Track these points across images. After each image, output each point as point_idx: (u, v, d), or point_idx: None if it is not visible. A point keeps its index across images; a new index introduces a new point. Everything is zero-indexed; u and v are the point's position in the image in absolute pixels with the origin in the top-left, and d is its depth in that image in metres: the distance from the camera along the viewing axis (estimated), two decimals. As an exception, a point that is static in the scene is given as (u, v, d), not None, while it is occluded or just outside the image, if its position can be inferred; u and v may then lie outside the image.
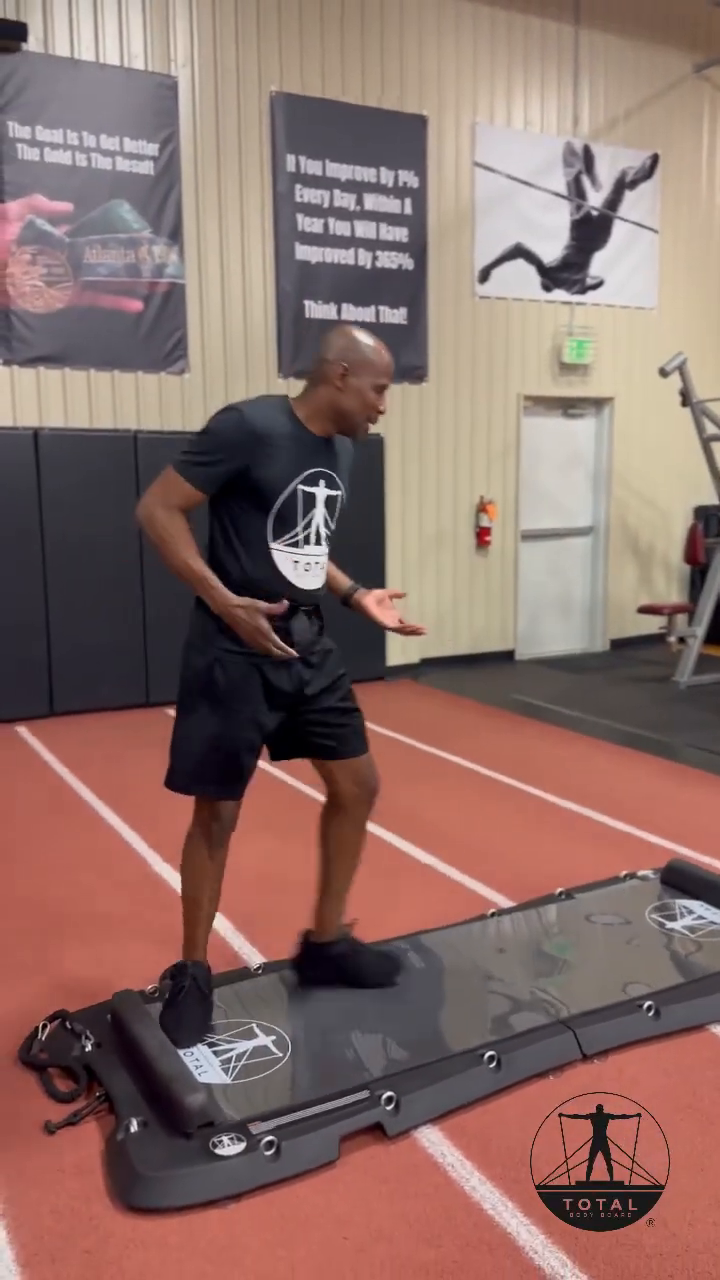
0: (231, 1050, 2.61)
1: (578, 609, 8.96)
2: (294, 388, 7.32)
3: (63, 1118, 2.40)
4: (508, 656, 8.37)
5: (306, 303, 7.25)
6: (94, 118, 6.44)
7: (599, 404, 8.64)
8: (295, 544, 2.53)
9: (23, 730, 6.20)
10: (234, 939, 3.35)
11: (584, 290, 8.33)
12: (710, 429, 7.33)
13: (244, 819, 2.75)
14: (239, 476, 2.44)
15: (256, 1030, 2.69)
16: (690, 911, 3.38)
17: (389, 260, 7.50)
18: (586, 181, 8.24)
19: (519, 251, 8.01)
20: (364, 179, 7.35)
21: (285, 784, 4.82)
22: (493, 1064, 2.51)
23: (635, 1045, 2.70)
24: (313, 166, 7.16)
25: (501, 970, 3.01)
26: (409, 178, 7.50)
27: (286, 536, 2.52)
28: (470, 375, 7.96)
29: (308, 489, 2.51)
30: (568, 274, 8.23)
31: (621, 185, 8.40)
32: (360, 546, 7.40)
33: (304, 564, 2.55)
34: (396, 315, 7.57)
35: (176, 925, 2.80)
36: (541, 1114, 2.41)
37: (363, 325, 7.32)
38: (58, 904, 3.69)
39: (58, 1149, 2.32)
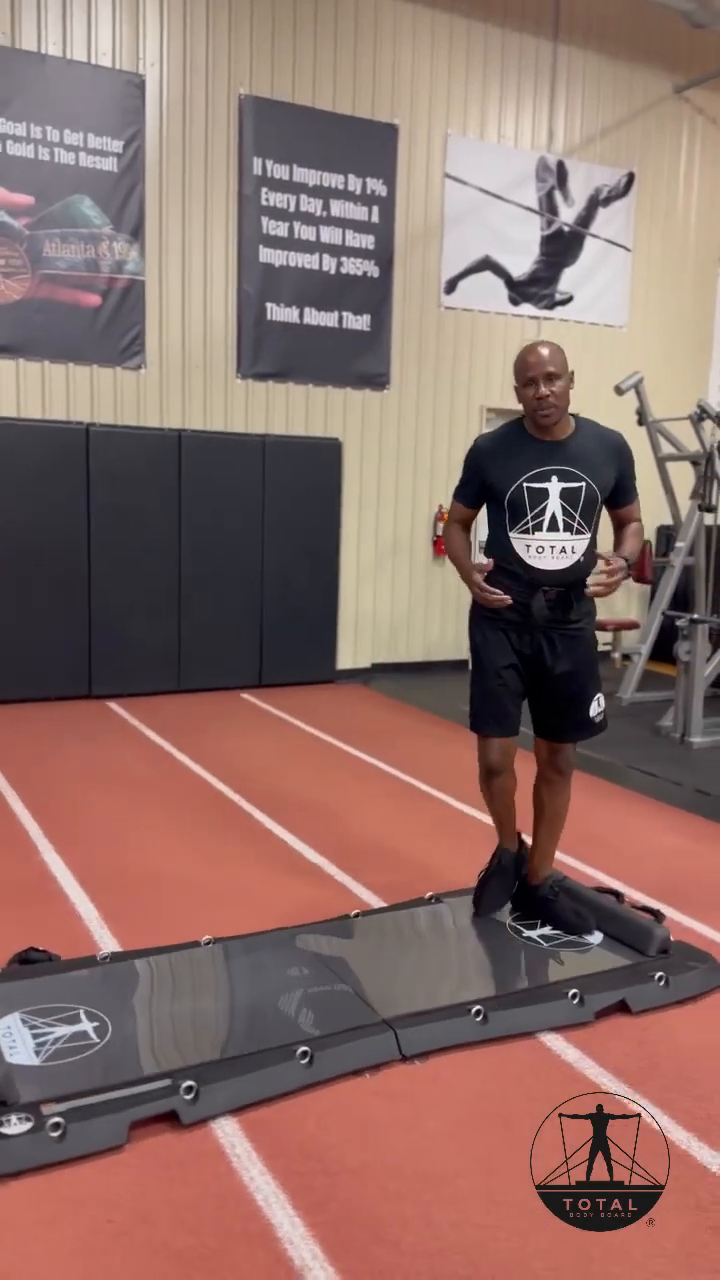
0: (50, 1033, 2.63)
1: (537, 622, 8.95)
2: (252, 389, 7.43)
3: None
4: (461, 666, 8.37)
5: (268, 305, 7.29)
6: (59, 113, 6.51)
7: (565, 419, 8.64)
8: (527, 530, 3.06)
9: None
10: (97, 929, 3.38)
11: (552, 305, 8.36)
12: (665, 448, 7.34)
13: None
14: (483, 486, 3.16)
15: (82, 1016, 2.71)
16: (551, 921, 3.40)
17: (354, 267, 7.55)
18: (559, 197, 8.28)
19: (487, 264, 8.05)
20: (331, 185, 7.39)
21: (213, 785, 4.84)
22: (305, 1059, 2.53)
23: (461, 1049, 2.72)
24: (280, 170, 7.21)
25: (342, 969, 3.03)
26: (377, 186, 7.54)
27: (519, 525, 3.06)
28: (433, 385, 8.00)
29: (536, 485, 3.05)
30: (536, 288, 8.27)
31: (595, 202, 8.43)
32: (314, 552, 7.46)
33: (536, 547, 3.06)
34: (359, 322, 7.62)
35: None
36: (346, 1111, 2.43)
37: (321, 330, 7.41)
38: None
39: None
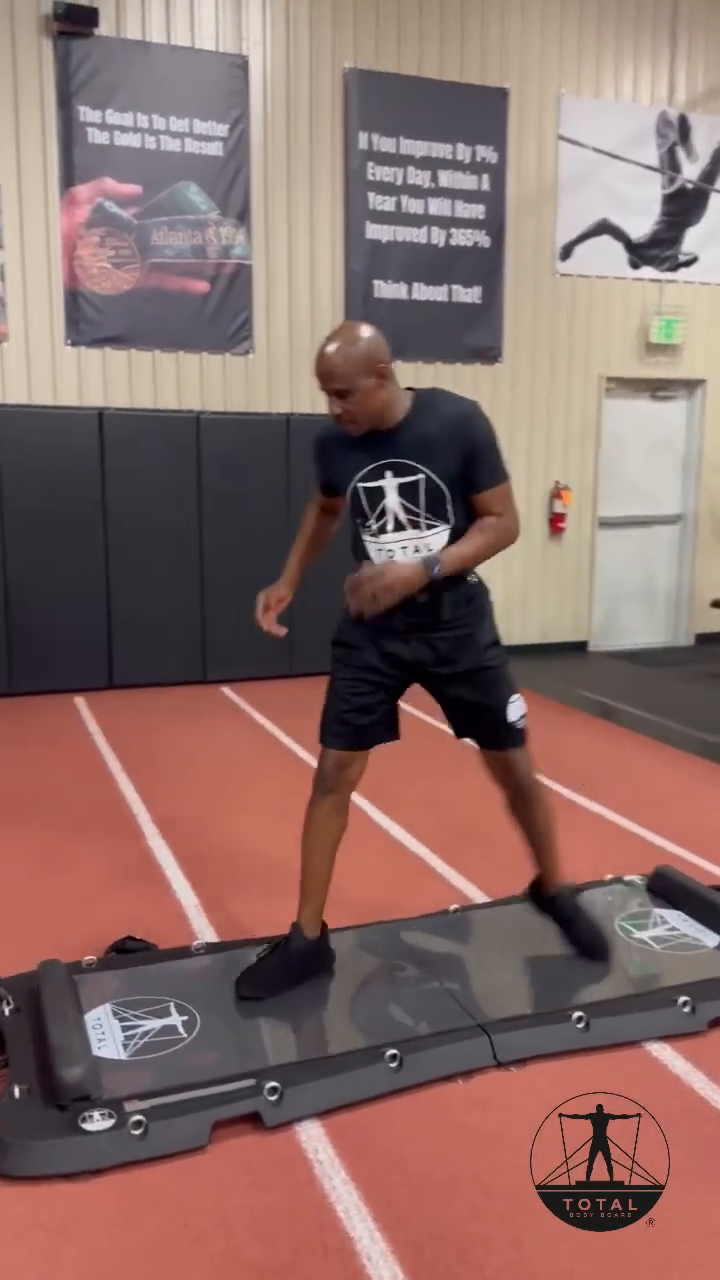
0: (139, 1026, 2.61)
1: (661, 600, 8.62)
2: (360, 369, 7.31)
3: (-37, 1079, 2.45)
4: (580, 648, 8.12)
5: (376, 282, 7.17)
6: (164, 100, 6.52)
7: (690, 386, 8.26)
8: (373, 534, 2.71)
9: (79, 701, 6.37)
10: (195, 916, 3.36)
11: (675, 267, 7.95)
12: None
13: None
14: (328, 480, 2.83)
15: (172, 1009, 2.69)
16: (664, 921, 3.21)
17: (464, 238, 7.34)
18: (682, 153, 7.86)
19: (605, 227, 7.71)
20: (440, 155, 7.20)
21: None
22: (394, 1062, 2.44)
23: (561, 1057, 2.58)
24: (386, 144, 7.06)
25: (437, 968, 2.92)
26: (487, 153, 7.30)
27: (365, 528, 2.72)
28: (549, 356, 7.73)
29: (369, 484, 2.66)
30: (657, 250, 7.88)
31: (721, 156, 7.97)
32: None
33: (386, 550, 2.69)
34: (470, 294, 7.41)
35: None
36: (435, 1118, 2.33)
37: (430, 305, 7.24)
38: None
39: (-51, 1109, 2.37)
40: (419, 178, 7.18)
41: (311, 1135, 2.29)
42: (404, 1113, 2.37)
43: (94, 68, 6.35)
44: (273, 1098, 2.32)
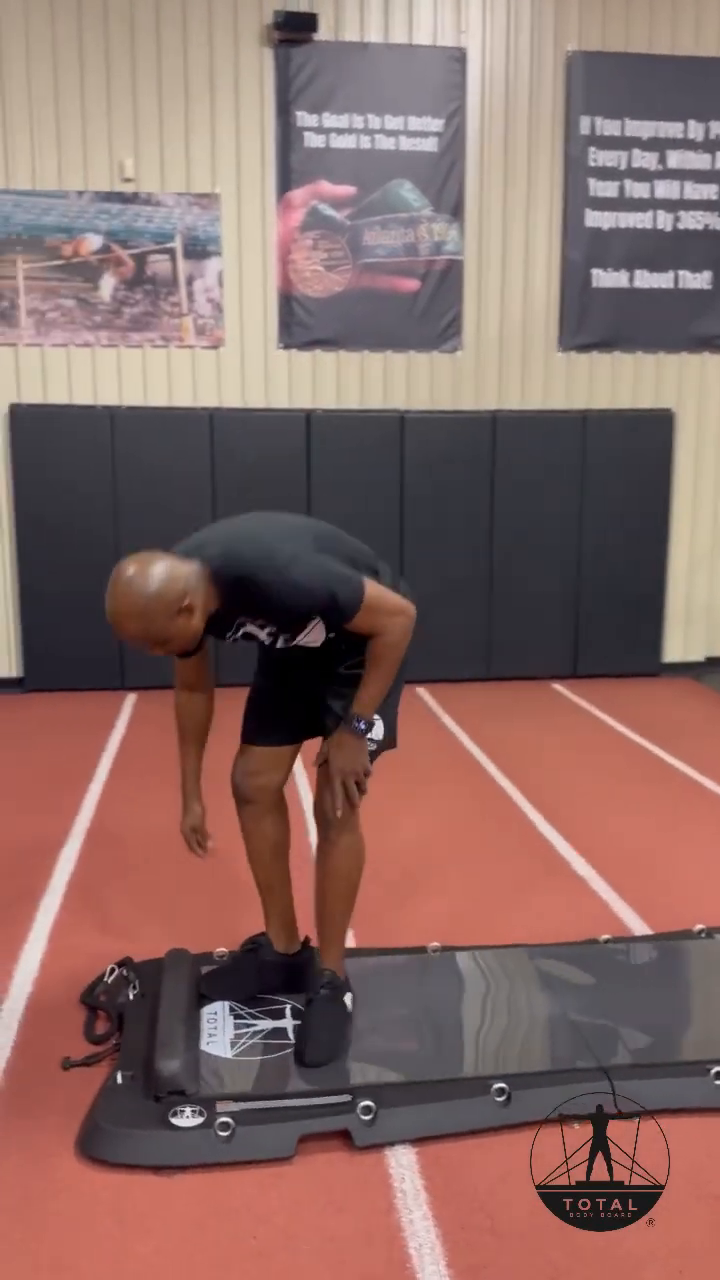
0: (252, 1026, 2.60)
1: None
2: (573, 361, 7.05)
3: (80, 1058, 2.52)
4: None
5: (594, 271, 6.86)
6: (380, 99, 6.53)
7: None
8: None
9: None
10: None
11: None
12: None
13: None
14: None
15: (288, 1012, 2.65)
16: None
17: (693, 221, 6.89)
18: None
19: None
20: (669, 135, 6.79)
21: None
22: (502, 1097, 2.29)
23: (692, 1114, 2.33)
24: (609, 127, 6.75)
25: (572, 1001, 2.72)
26: (722, 129, 6.82)
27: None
28: (786, 344, 7.12)
29: (234, 638, 2.50)
30: None
31: None
32: (639, 534, 6.96)
33: (279, 651, 2.55)
34: (698, 280, 6.95)
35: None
36: (537, 1163, 2.17)
37: (654, 293, 6.85)
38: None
39: (64, 1085, 2.44)
40: (645, 160, 6.81)
41: (402, 1162, 2.19)
42: (505, 1153, 2.21)
43: (312, 72, 6.46)
44: (366, 1117, 2.23)
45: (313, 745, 2.65)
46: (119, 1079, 2.35)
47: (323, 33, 6.40)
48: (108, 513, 6.48)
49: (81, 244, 6.43)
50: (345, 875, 2.56)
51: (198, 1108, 2.23)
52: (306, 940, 2.80)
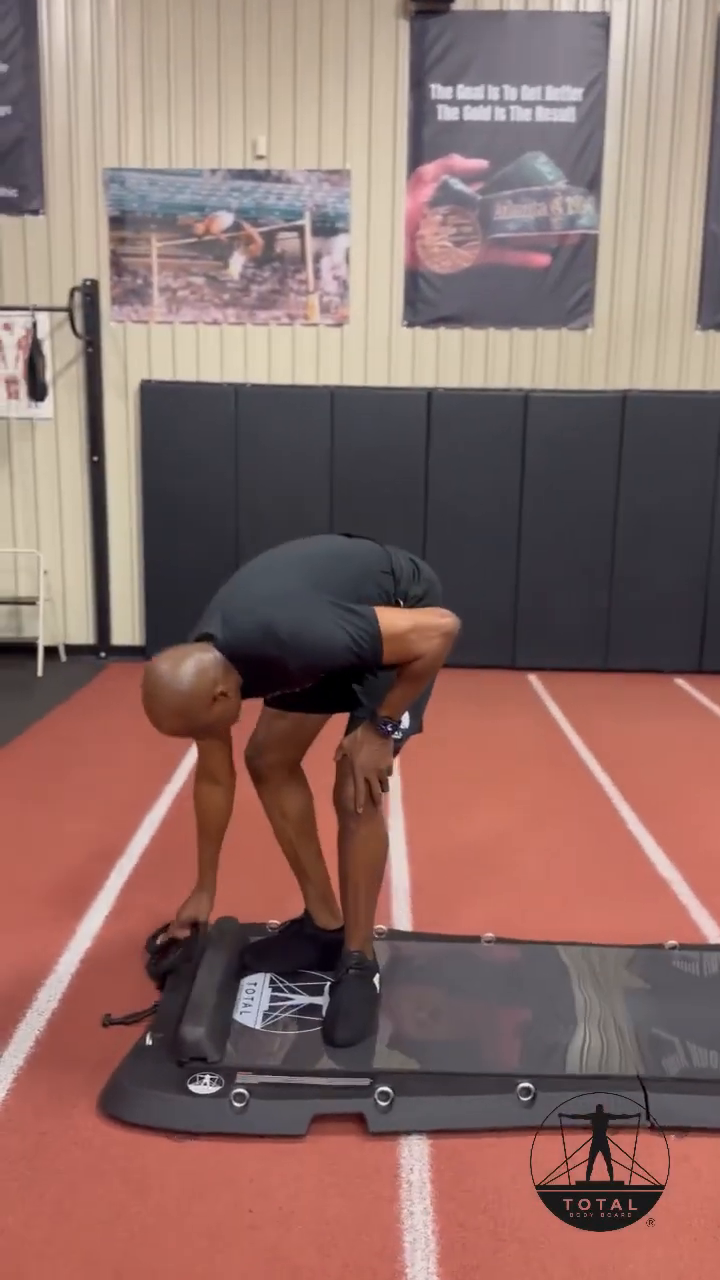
0: (287, 1000, 2.59)
1: None
2: (712, 341, 6.69)
3: (121, 1015, 2.57)
4: None
5: (739, 246, 6.51)
6: (516, 69, 6.35)
7: None
8: None
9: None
10: (400, 903, 3.28)
11: None
12: None
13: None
14: None
15: (325, 990, 2.63)
16: None
17: None
18: None
19: None
20: None
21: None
22: (527, 1097, 2.21)
23: (731, 1137, 2.19)
24: (763, 91, 6.36)
25: (621, 1006, 2.59)
26: None
27: None
28: None
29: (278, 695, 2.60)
30: None
31: None
32: (684, 523, 6.58)
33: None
34: None
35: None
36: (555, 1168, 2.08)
37: None
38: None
39: (101, 1040, 2.50)
40: None
41: (413, 1152, 2.14)
42: (522, 1154, 2.13)
43: (448, 43, 6.33)
44: (383, 1103, 2.19)
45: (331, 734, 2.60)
46: (149, 1040, 2.38)
47: (460, 3, 6.26)
48: (229, 488, 6.58)
49: (213, 222, 6.53)
50: (365, 864, 2.49)
51: (217, 1076, 2.24)
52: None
